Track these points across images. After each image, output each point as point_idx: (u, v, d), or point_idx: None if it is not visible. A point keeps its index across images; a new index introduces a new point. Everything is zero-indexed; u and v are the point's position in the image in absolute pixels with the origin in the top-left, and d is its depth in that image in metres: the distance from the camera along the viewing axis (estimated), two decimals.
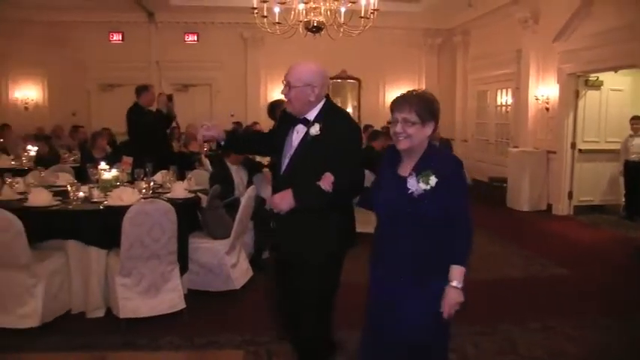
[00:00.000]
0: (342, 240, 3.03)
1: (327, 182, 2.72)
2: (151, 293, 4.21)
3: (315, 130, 2.91)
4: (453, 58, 13.53)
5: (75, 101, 12.94)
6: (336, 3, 8.08)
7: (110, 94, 13.12)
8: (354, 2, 8.00)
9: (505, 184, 10.03)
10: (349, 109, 13.63)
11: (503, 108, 11.77)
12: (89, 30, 12.74)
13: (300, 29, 8.47)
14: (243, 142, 3.63)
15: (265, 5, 8.15)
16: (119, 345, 3.92)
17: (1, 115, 12.59)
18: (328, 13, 8.09)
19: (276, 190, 2.96)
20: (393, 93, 13.50)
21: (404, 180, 2.47)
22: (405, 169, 2.53)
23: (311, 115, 2.98)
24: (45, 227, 4.29)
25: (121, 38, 13.01)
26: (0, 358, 3.69)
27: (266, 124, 12.04)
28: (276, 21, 8.43)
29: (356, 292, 2.97)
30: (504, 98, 11.70)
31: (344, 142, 2.90)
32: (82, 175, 5.97)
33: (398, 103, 2.50)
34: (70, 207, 4.44)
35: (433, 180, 2.40)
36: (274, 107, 5.97)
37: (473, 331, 4.17)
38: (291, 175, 2.97)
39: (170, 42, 12.81)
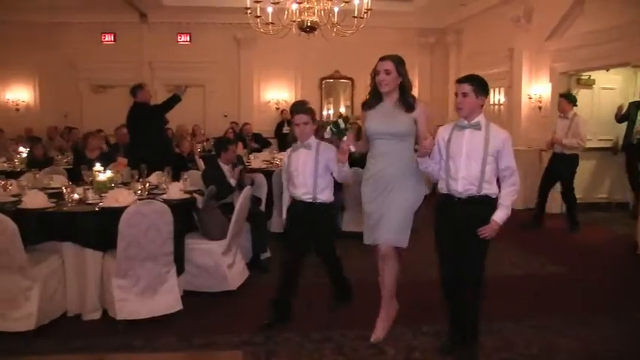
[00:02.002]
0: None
1: None
2: (147, 295, 4.19)
3: None
4: (445, 57, 13.58)
5: (67, 103, 12.91)
6: (329, 3, 8.09)
7: (102, 95, 13.09)
8: (347, 2, 8.02)
9: None
10: (342, 109, 13.69)
11: (496, 107, 11.81)
12: (81, 31, 12.71)
13: (294, 29, 8.47)
14: None
15: (258, 5, 8.12)
16: (116, 347, 3.89)
17: None
18: (322, 13, 8.10)
19: None
20: None
21: None
22: None
23: None
24: (40, 229, 4.27)
25: (113, 39, 13.00)
26: None
27: (258, 124, 12.14)
28: (269, 21, 8.41)
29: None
30: (497, 97, 11.75)
31: None
32: (76, 177, 5.92)
33: None
34: (66, 209, 4.42)
35: None
36: None
37: None
38: None
39: (162, 42, 12.81)
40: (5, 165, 7.93)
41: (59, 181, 5.63)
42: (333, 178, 4.27)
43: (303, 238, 4.29)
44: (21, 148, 8.35)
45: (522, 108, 10.08)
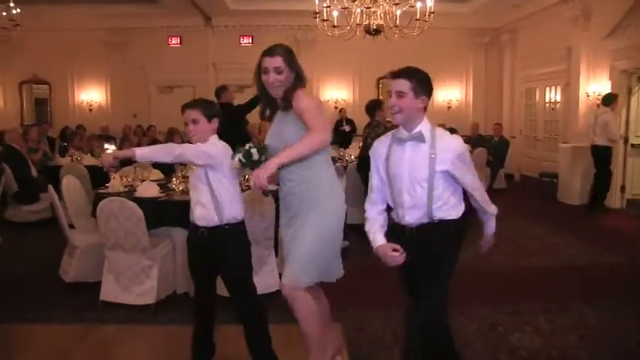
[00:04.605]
0: None
1: None
2: None
3: None
4: (500, 57, 13.81)
5: (136, 103, 13.65)
6: (394, 7, 8.44)
7: (169, 95, 13.79)
8: (412, 6, 8.36)
9: (555, 180, 10.24)
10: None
11: (552, 105, 11.99)
12: (149, 35, 13.42)
13: (357, 32, 8.85)
14: None
15: (326, 9, 8.54)
16: (228, 320, 4.37)
17: (69, 116, 13.41)
18: (388, 17, 8.46)
19: None
20: (441, 91, 13.88)
21: None
22: None
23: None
24: (155, 216, 4.79)
25: (179, 42, 13.66)
26: (126, 329, 4.23)
27: None
28: (335, 24, 8.81)
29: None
30: (553, 95, 11.92)
31: None
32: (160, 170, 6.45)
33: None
34: (176, 198, 4.95)
35: None
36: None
37: (545, 308, 4.57)
38: None
39: (226, 45, 13.41)
40: (96, 160, 8.59)
41: (155, 174, 6.20)
42: None
43: (206, 272, 3.47)
44: (106, 145, 8.99)
45: (580, 105, 10.25)
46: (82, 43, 13.13)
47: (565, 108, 11.10)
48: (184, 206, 4.87)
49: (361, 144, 7.33)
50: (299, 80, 3.00)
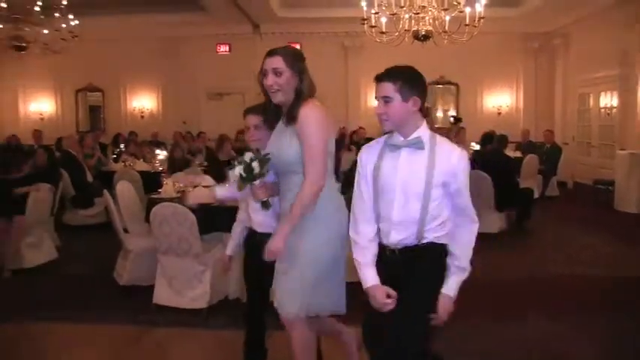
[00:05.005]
0: None
1: None
2: None
3: None
4: (551, 61, 13.49)
5: (185, 110, 13.92)
6: (443, 12, 8.35)
7: (218, 102, 14.02)
8: (461, 12, 8.25)
9: (611, 187, 9.92)
10: (439, 113, 13.92)
11: (607, 110, 11.63)
12: (198, 43, 13.68)
13: (406, 38, 8.80)
14: None
15: (374, 16, 8.53)
16: (280, 326, 4.38)
17: (122, 123, 13.78)
18: (437, 22, 8.38)
19: None
20: (490, 97, 13.67)
21: None
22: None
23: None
24: (207, 221, 4.85)
25: (227, 49, 13.89)
26: (179, 332, 4.28)
27: (369, 128, 12.55)
28: (383, 30, 8.79)
29: None
30: (608, 100, 11.57)
31: None
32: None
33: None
34: (228, 203, 4.99)
35: None
36: None
37: (603, 319, 4.45)
38: None
39: None
40: (147, 165, 8.80)
41: (207, 180, 6.29)
42: None
43: (260, 276, 3.29)
44: (157, 151, 9.19)
45: (639, 111, 9.91)
46: (133, 52, 13.51)
47: (622, 113, 10.75)
48: (236, 212, 4.94)
49: None
50: (302, 85, 2.68)
